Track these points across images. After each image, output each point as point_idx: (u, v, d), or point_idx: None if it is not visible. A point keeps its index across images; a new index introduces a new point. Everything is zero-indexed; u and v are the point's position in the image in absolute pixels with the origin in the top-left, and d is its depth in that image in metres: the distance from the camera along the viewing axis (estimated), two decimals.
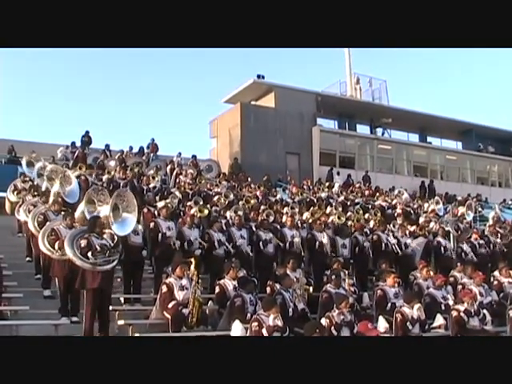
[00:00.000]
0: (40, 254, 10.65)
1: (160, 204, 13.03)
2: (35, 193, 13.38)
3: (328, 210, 16.88)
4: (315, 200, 19.56)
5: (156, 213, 12.64)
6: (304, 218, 14.60)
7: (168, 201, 13.63)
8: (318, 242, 12.66)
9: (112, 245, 8.86)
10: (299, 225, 13.59)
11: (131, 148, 24.35)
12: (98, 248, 8.64)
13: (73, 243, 8.69)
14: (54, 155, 22.36)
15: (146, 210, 12.75)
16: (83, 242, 8.65)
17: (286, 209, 15.97)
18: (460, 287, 11.42)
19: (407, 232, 14.37)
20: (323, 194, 20.80)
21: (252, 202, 16.78)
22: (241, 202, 16.04)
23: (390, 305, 10.17)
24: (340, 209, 17.09)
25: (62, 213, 10.84)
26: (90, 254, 8.51)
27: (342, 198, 20.47)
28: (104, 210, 9.26)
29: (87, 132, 25.43)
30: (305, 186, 22.37)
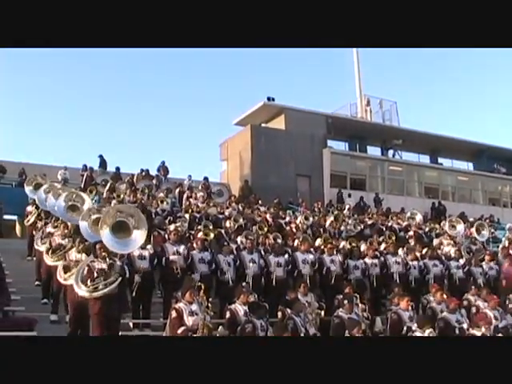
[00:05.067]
0: (49, 278, 10.64)
1: (171, 227, 12.94)
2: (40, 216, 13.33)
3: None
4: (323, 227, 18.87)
5: (166, 236, 12.56)
6: (316, 244, 14.29)
7: (178, 225, 13.56)
8: (325, 268, 12.57)
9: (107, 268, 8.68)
10: (311, 250, 13.25)
11: (142, 170, 24.35)
12: (95, 274, 8.52)
13: (79, 271, 8.63)
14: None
15: (156, 234, 12.65)
16: (85, 270, 8.57)
17: (298, 233, 15.78)
18: (474, 310, 11.22)
19: (418, 255, 14.14)
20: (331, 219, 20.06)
21: (265, 229, 16.30)
22: (254, 227, 15.86)
23: (405, 328, 9.99)
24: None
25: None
26: (89, 281, 8.40)
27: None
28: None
29: (101, 156, 25.54)
30: (315, 209, 22.16)
